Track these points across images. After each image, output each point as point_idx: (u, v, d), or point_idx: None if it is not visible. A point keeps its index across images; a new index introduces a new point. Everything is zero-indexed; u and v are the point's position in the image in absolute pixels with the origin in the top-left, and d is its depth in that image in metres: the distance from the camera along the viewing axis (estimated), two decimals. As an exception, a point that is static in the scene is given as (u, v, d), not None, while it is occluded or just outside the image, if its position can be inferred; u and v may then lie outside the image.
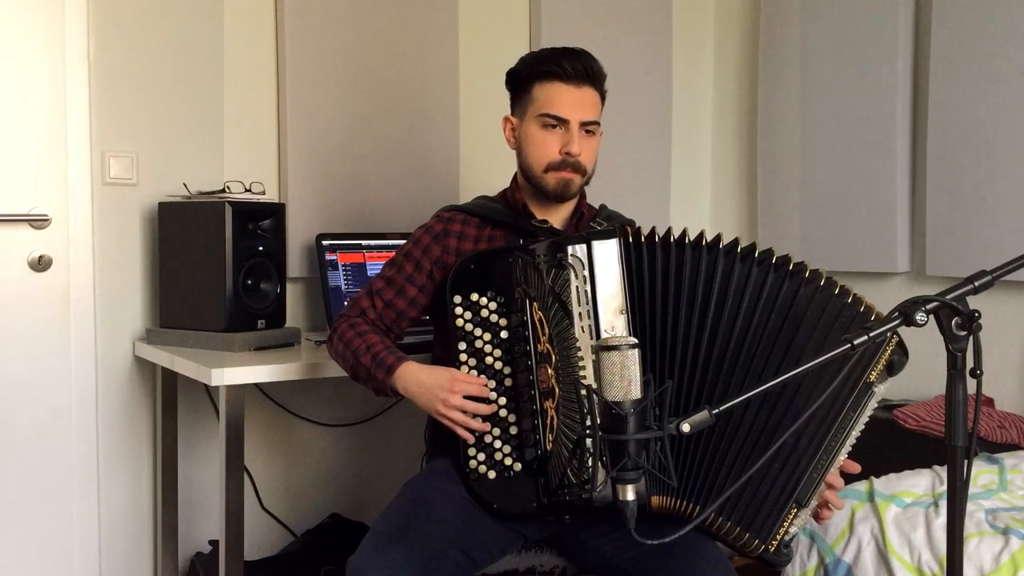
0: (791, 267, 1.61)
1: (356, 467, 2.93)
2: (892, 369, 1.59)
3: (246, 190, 2.48)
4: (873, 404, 1.60)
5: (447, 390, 1.68)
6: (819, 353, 1.27)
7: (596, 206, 2.00)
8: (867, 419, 1.61)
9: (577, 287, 1.60)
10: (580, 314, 1.59)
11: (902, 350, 1.60)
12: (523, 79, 1.88)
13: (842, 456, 1.59)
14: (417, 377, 1.73)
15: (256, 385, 2.59)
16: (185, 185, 2.54)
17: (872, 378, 1.58)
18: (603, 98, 1.90)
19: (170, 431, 2.56)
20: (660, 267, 1.63)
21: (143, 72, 2.54)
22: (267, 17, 2.74)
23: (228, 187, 2.47)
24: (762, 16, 3.40)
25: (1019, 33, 2.67)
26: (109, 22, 2.48)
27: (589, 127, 1.85)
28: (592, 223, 1.88)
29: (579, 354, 1.59)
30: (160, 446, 2.56)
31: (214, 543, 2.59)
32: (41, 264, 2.43)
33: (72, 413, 2.48)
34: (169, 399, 2.55)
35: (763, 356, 1.60)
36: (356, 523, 2.74)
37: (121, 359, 2.56)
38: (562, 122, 1.83)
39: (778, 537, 1.60)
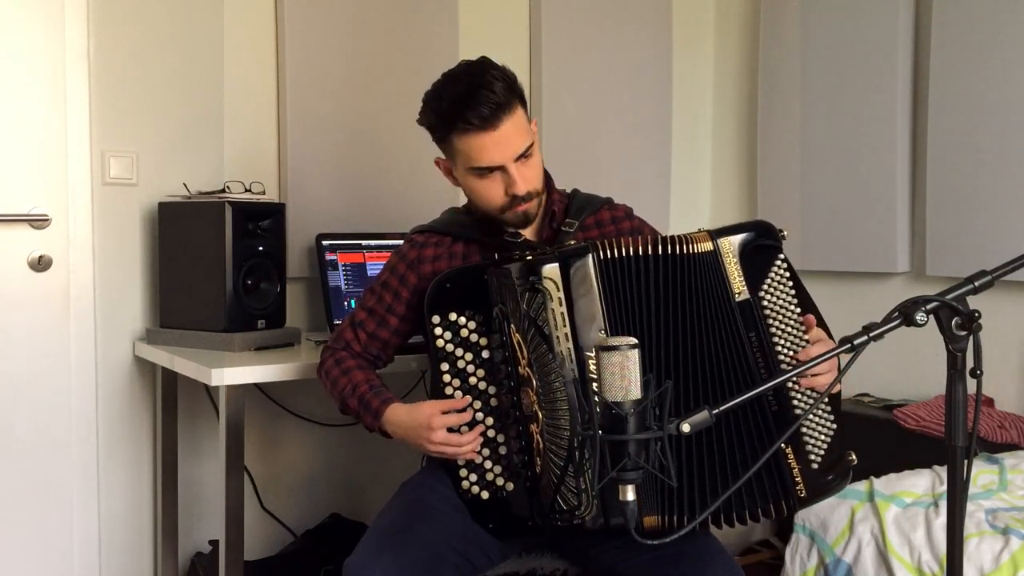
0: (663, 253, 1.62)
1: (356, 467, 2.93)
2: (752, 259, 1.62)
3: (246, 190, 2.48)
4: (765, 303, 1.62)
5: (427, 427, 1.66)
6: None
7: (569, 191, 1.94)
8: (779, 318, 1.63)
9: (553, 310, 1.57)
10: (558, 338, 1.56)
11: (752, 237, 1.63)
12: (437, 132, 1.76)
13: (789, 370, 1.57)
14: (400, 420, 1.72)
15: (256, 385, 2.58)
16: (185, 185, 2.54)
17: (737, 291, 1.61)
18: (524, 102, 1.74)
19: (170, 431, 2.56)
20: (638, 279, 1.60)
21: (143, 72, 2.54)
22: (267, 17, 2.74)
23: (228, 187, 2.47)
24: (762, 16, 3.40)
25: (1019, 34, 2.67)
26: (109, 22, 2.48)
27: (524, 155, 1.73)
28: (564, 225, 1.83)
29: (560, 379, 1.56)
30: (160, 446, 2.56)
31: (214, 543, 2.59)
32: (41, 264, 2.43)
33: (72, 413, 2.48)
34: (169, 399, 2.55)
35: (706, 352, 1.60)
36: (356, 523, 2.74)
37: (121, 359, 2.56)
38: (496, 168, 1.72)
39: (798, 481, 1.60)
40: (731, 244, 1.62)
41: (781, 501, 1.60)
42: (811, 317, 1.65)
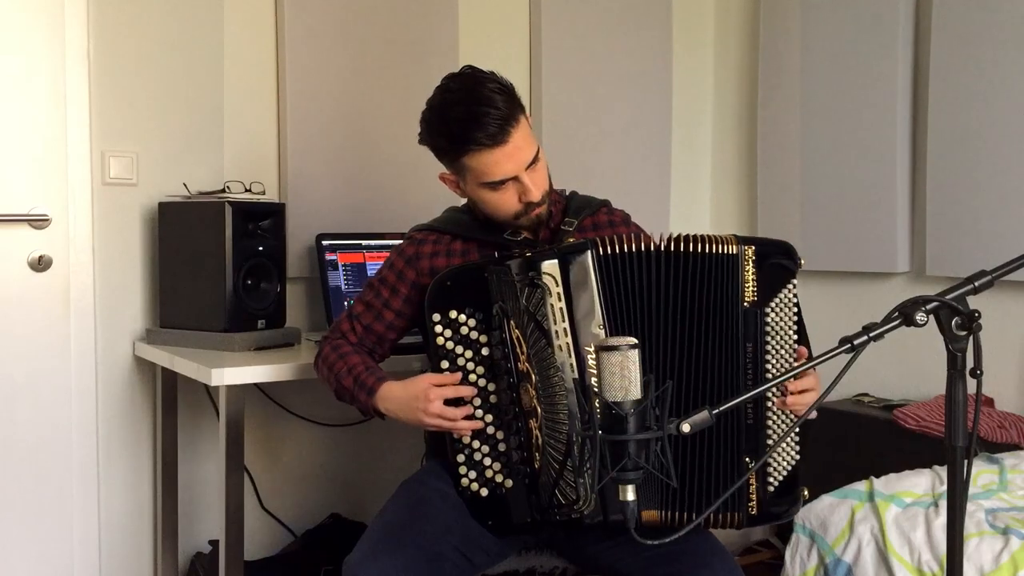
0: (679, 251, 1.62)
1: (356, 467, 2.93)
2: (768, 274, 1.63)
3: (246, 190, 2.48)
4: (768, 320, 1.63)
5: (424, 399, 1.67)
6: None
7: (566, 192, 1.95)
8: (776, 338, 1.64)
9: (552, 305, 1.58)
10: (557, 332, 1.57)
11: (774, 253, 1.64)
12: (446, 154, 1.77)
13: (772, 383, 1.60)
14: (395, 394, 1.73)
15: (256, 385, 2.58)
16: (185, 185, 2.54)
17: (748, 300, 1.62)
18: (523, 108, 1.75)
19: (170, 431, 2.56)
20: (636, 276, 1.61)
21: (143, 72, 2.54)
22: (267, 17, 2.74)
23: (228, 187, 2.47)
24: (762, 16, 3.40)
25: (1019, 34, 2.67)
26: (109, 22, 2.48)
27: (535, 163, 1.75)
28: (563, 224, 1.84)
29: (559, 375, 1.57)
30: (160, 446, 2.56)
31: (214, 543, 2.59)
32: (41, 264, 2.43)
33: (72, 413, 2.48)
34: (169, 399, 2.55)
35: (709, 348, 1.61)
36: (356, 523, 2.74)
37: (121, 359, 2.56)
38: (509, 179, 1.74)
39: (752, 498, 1.63)
40: (754, 253, 1.64)
41: (733, 513, 1.63)
42: (804, 349, 1.67)
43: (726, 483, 1.62)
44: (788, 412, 1.65)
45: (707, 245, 1.62)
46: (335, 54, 2.78)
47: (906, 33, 2.97)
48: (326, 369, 1.87)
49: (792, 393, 1.63)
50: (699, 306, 1.62)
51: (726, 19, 3.62)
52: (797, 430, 1.65)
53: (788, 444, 1.66)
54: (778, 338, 1.64)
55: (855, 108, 3.09)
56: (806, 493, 1.68)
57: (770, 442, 1.64)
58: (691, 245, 1.62)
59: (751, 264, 1.63)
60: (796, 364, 1.63)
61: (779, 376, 1.37)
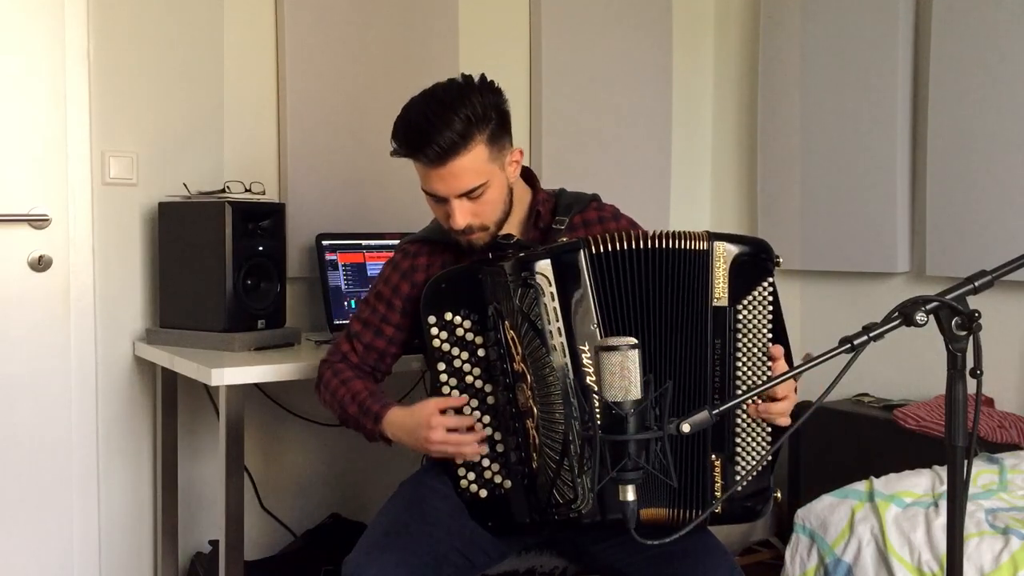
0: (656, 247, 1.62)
1: (356, 467, 2.93)
2: (742, 272, 1.62)
3: (246, 190, 2.48)
4: (740, 317, 1.62)
5: (427, 427, 1.66)
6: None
7: (555, 190, 1.92)
8: (748, 336, 1.63)
9: (546, 305, 1.58)
10: (551, 332, 1.57)
11: (748, 250, 1.62)
12: (402, 155, 1.77)
13: (745, 385, 1.59)
14: (400, 421, 1.73)
15: (256, 385, 2.59)
16: (185, 185, 2.54)
17: (717, 296, 1.61)
18: (495, 136, 1.70)
19: (170, 431, 2.56)
20: (629, 274, 1.60)
21: (143, 72, 2.54)
22: (267, 17, 2.74)
23: (228, 187, 2.47)
24: (762, 16, 3.40)
25: (1019, 34, 2.67)
26: (109, 22, 2.48)
27: (471, 194, 1.71)
28: (554, 223, 1.83)
29: (554, 374, 1.57)
30: (160, 446, 2.56)
31: (214, 543, 2.59)
32: (41, 264, 2.43)
33: (72, 413, 2.48)
34: (169, 399, 2.55)
35: (688, 346, 1.61)
36: (356, 523, 2.74)
37: (121, 359, 2.56)
38: (442, 197, 1.73)
39: (717, 496, 1.63)
40: (726, 250, 1.63)
41: (698, 511, 1.62)
42: (779, 348, 1.65)
43: (691, 478, 1.62)
44: (761, 418, 1.64)
45: (677, 241, 1.62)
46: (335, 55, 2.79)
47: (906, 33, 2.98)
48: (328, 395, 1.86)
49: (765, 399, 1.62)
50: (669, 302, 1.61)
51: (726, 19, 3.63)
52: (769, 429, 1.64)
53: (761, 444, 1.65)
54: (750, 336, 1.63)
55: (855, 108, 3.09)
56: (778, 495, 1.67)
57: (738, 440, 1.64)
58: (663, 241, 1.62)
59: (723, 261, 1.63)
60: (771, 364, 1.63)
61: (775, 378, 1.37)
